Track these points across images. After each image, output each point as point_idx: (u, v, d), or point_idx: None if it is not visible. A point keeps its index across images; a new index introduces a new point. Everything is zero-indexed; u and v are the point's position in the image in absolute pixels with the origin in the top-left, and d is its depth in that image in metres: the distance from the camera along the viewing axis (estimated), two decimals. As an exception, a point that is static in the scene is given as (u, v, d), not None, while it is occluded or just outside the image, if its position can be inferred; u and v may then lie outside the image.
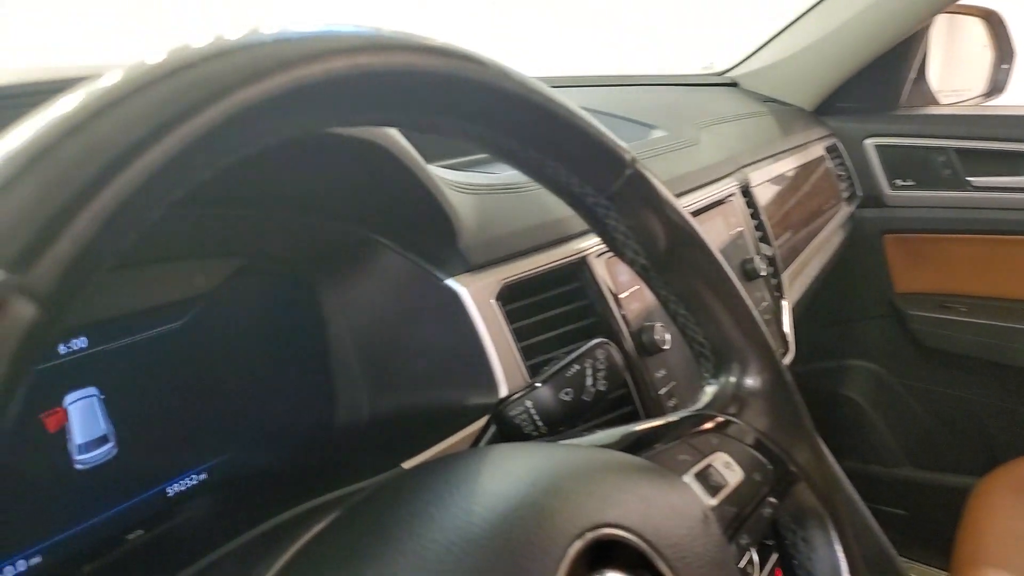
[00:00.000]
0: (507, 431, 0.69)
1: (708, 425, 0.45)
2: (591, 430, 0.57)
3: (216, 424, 0.74)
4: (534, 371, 0.79)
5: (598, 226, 0.42)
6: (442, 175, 0.80)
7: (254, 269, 0.77)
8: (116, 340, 0.66)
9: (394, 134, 0.67)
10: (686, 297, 0.43)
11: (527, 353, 0.81)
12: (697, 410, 0.48)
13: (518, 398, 0.69)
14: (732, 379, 0.47)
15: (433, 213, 0.77)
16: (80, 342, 0.64)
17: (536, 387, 0.71)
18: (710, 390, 0.48)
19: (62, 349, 0.62)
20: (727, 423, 0.45)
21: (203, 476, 0.73)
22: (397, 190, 0.73)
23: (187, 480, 0.71)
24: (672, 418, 0.47)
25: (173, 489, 0.70)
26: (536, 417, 0.68)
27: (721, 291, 0.44)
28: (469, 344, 0.79)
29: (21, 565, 0.60)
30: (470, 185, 0.87)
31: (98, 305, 0.64)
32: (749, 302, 0.46)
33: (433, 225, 0.80)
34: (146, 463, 0.68)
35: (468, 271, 0.81)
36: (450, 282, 0.79)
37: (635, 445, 0.43)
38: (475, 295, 0.79)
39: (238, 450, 0.76)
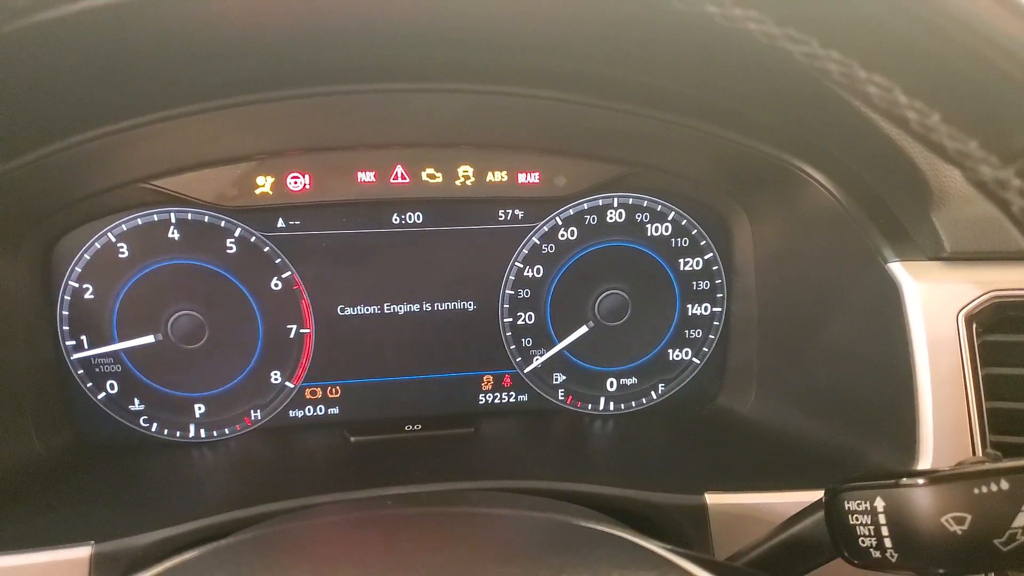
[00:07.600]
0: (838, 530, 0.41)
1: None
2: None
3: (544, 344, 0.64)
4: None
5: None
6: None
7: (635, 183, 0.61)
8: (452, 224, 0.60)
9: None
10: None
11: (994, 422, 0.48)
12: None
13: (878, 487, 0.40)
14: None
15: (898, 158, 0.48)
16: (415, 216, 0.60)
17: (949, 477, 0.39)
18: None
19: (395, 219, 0.60)
20: None
21: (523, 398, 0.65)
22: (843, 117, 0.47)
23: (502, 396, 0.64)
24: None
25: (485, 398, 0.64)
26: (886, 534, 0.38)
27: None
28: (893, 369, 0.50)
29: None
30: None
31: (432, 185, 0.59)
32: None
33: (894, 174, 0.51)
34: (462, 364, 0.63)
35: (933, 259, 0.50)
36: (894, 267, 0.50)
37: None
38: (927, 299, 0.49)
39: (566, 381, 0.65)
